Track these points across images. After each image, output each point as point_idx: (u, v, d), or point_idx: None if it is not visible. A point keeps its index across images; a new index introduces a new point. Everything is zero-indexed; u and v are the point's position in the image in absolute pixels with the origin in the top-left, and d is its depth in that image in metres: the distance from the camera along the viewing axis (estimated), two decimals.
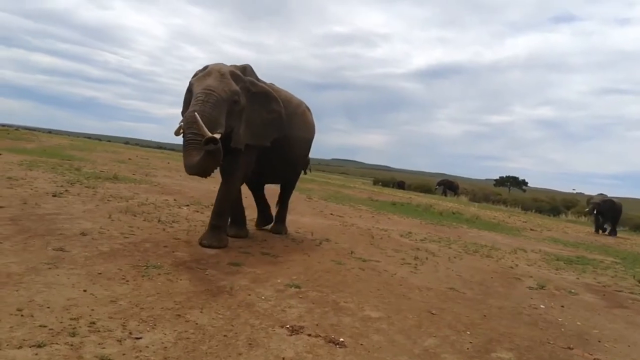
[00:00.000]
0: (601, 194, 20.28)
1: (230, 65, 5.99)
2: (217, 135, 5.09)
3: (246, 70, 6.17)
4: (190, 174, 5.35)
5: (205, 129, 4.93)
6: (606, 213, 19.47)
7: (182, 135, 5.29)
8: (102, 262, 4.42)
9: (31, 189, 7.65)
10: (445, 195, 36.71)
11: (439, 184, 40.12)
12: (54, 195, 7.40)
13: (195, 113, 5.05)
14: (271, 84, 6.86)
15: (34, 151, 15.80)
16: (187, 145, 5.19)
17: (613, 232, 19.42)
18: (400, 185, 42.20)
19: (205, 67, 5.86)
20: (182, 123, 5.31)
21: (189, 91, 5.74)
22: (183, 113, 6.02)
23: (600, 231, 19.47)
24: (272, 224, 7.85)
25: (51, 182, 8.66)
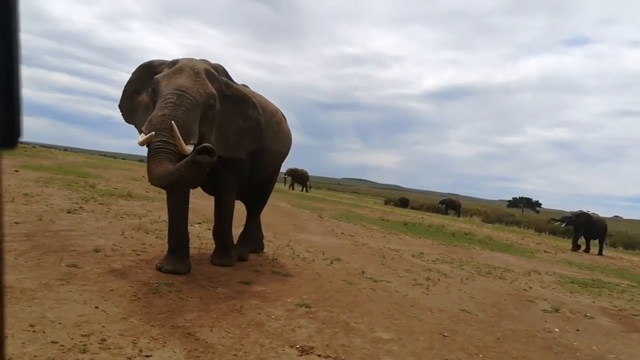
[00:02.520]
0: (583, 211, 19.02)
1: (204, 62, 5.19)
2: (190, 147, 4.43)
3: (219, 70, 5.37)
4: (158, 186, 4.56)
5: (182, 140, 4.31)
6: (582, 227, 18.34)
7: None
8: (114, 279, 4.45)
9: (46, 206, 7.75)
10: (447, 214, 37.31)
11: (442, 202, 40.80)
12: (69, 212, 7.49)
13: (173, 122, 4.29)
14: (244, 85, 6.14)
15: (51, 168, 16.04)
16: (155, 154, 4.36)
17: (600, 250, 18.40)
18: (404, 203, 42.06)
19: (175, 62, 4.95)
20: (146, 130, 4.45)
21: (153, 90, 4.75)
22: (124, 108, 5.34)
23: (576, 248, 18.32)
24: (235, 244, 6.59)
25: (66, 199, 8.77)
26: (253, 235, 7.01)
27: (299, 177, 34.68)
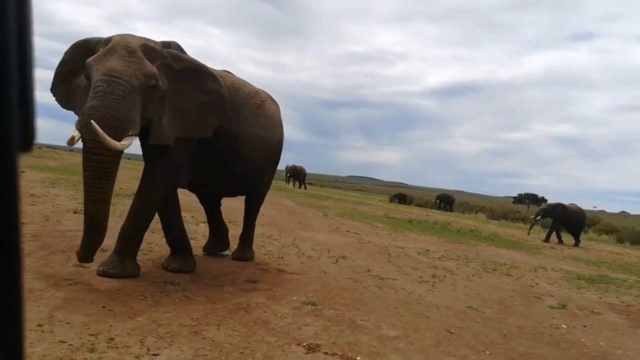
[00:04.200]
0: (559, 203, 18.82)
1: (141, 38, 4.49)
2: (128, 141, 4.02)
3: (171, 46, 4.87)
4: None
5: (108, 138, 3.79)
6: (559, 219, 18.18)
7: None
8: (121, 279, 4.47)
9: (53, 206, 7.80)
10: (443, 209, 38.60)
11: (438, 197, 42.08)
12: (75, 212, 7.53)
13: (92, 121, 3.75)
14: (226, 71, 5.81)
15: (57, 169, 16.13)
16: (85, 161, 4.06)
17: (575, 241, 18.25)
18: (401, 199, 42.32)
19: (109, 40, 4.28)
20: (76, 124, 3.97)
21: (87, 76, 4.17)
22: (58, 92, 4.69)
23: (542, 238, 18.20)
24: (235, 249, 6.46)
25: (72, 199, 8.81)
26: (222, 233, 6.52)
27: (297, 174, 34.90)
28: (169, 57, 4.62)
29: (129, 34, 4.42)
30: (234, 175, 5.64)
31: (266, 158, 6.04)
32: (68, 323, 3.26)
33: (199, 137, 4.87)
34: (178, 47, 4.96)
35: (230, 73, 5.88)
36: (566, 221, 18.28)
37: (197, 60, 4.96)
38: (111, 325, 3.33)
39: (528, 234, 18.76)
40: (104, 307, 3.68)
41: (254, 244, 6.61)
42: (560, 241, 18.15)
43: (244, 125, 5.47)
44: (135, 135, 4.16)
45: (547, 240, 18.07)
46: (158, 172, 4.76)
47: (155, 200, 4.82)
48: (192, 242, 6.68)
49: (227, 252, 6.55)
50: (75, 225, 6.57)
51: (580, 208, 19.58)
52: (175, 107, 4.66)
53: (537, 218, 19.10)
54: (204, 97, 4.85)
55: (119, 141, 3.92)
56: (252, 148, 5.65)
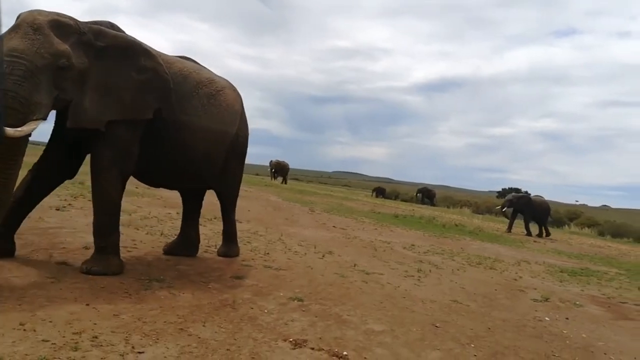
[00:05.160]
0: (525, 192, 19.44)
1: (52, 13, 4.08)
2: (31, 126, 3.73)
3: (101, 23, 4.53)
4: None
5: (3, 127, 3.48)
6: (524, 210, 18.55)
7: None
8: (105, 276, 4.41)
9: None
10: (424, 203, 40.03)
11: (419, 191, 43.37)
12: (57, 209, 7.42)
13: None
14: (186, 57, 5.59)
15: None
16: None
17: (546, 233, 18.66)
18: (381, 192, 42.81)
19: (18, 17, 3.97)
20: None
21: None
22: None
23: (512, 230, 18.49)
24: (220, 246, 6.29)
25: (54, 196, 8.66)
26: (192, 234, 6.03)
27: (282, 169, 34.95)
28: (89, 33, 4.25)
29: (37, 10, 4.03)
30: (180, 167, 5.25)
31: (221, 151, 5.59)
32: (51, 321, 3.21)
33: (139, 119, 4.55)
34: (110, 26, 4.62)
35: (190, 59, 5.62)
36: (531, 212, 18.61)
37: (126, 36, 4.60)
38: (95, 323, 3.29)
39: (509, 231, 19.02)
40: (87, 305, 3.63)
41: (239, 240, 6.58)
42: (528, 233, 18.45)
43: (192, 116, 5.08)
44: (42, 120, 3.86)
45: (529, 232, 18.31)
46: (105, 160, 4.48)
47: (110, 190, 4.55)
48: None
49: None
50: (58, 222, 6.48)
51: (544, 199, 19.97)
52: (103, 87, 4.34)
53: (504, 209, 19.36)
54: (138, 76, 4.53)
55: (21, 125, 3.63)
56: (202, 140, 5.24)
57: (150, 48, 4.79)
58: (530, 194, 21.13)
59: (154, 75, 4.60)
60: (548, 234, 18.67)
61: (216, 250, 6.37)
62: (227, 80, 5.90)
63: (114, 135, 4.45)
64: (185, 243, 5.91)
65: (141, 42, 4.69)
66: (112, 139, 4.46)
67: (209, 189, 6.11)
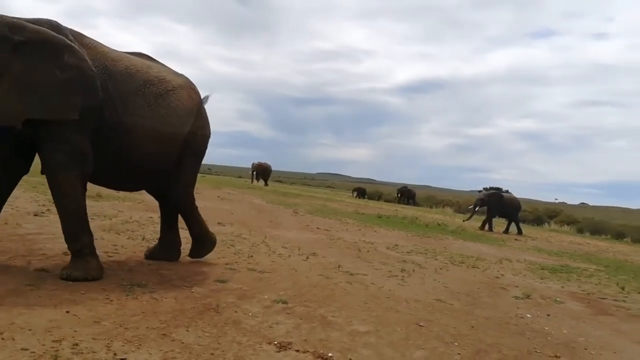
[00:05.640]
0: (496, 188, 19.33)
1: None
2: None
3: (40, 22, 4.37)
4: None
5: None
6: (494, 207, 18.66)
7: None
8: (86, 283, 4.34)
9: (12, 209, 7.50)
10: (401, 202, 40.73)
11: (399, 191, 43.84)
12: (36, 215, 7.29)
13: None
14: (141, 53, 5.46)
15: None
16: None
17: (518, 230, 18.74)
18: (361, 193, 43.10)
19: None
20: None
21: None
22: None
23: (487, 227, 18.61)
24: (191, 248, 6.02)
25: (32, 202, 8.52)
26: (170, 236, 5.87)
27: (264, 172, 34.85)
28: (5, 26, 4.07)
29: None
30: (127, 169, 5.07)
31: (170, 152, 5.31)
32: (30, 330, 3.14)
33: (64, 119, 4.30)
34: (49, 24, 4.42)
35: (147, 56, 5.45)
36: (501, 210, 18.79)
37: (48, 31, 4.31)
38: (75, 331, 3.23)
39: (463, 221, 19.37)
40: (67, 312, 3.56)
41: (223, 244, 6.52)
42: (490, 228, 18.67)
43: (136, 116, 4.83)
44: None
45: (482, 228, 18.58)
46: (59, 164, 4.36)
47: (71, 192, 4.45)
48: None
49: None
50: (36, 228, 6.37)
51: (515, 197, 20.26)
52: (22, 83, 4.13)
53: (476, 208, 19.57)
54: (61, 74, 4.26)
55: None
56: (147, 141, 4.97)
57: (75, 44, 4.48)
58: (508, 191, 21.38)
59: (78, 73, 4.32)
60: (507, 231, 18.79)
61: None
62: (184, 78, 5.64)
63: (62, 136, 4.33)
64: (166, 247, 5.81)
65: (64, 38, 4.39)
66: (60, 141, 4.34)
67: (140, 189, 5.88)
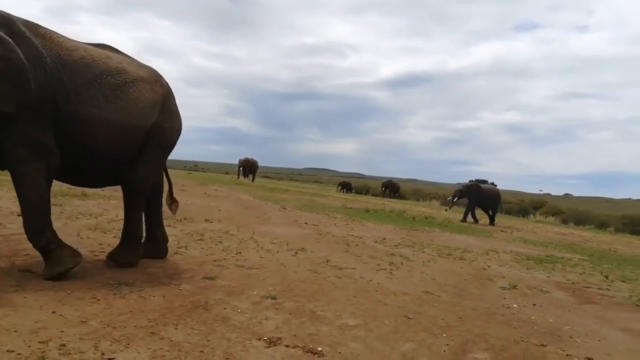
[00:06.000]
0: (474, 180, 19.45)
1: None
2: None
3: None
4: None
5: None
6: (474, 198, 18.71)
7: None
8: (71, 282, 4.30)
9: None
10: (386, 196, 41.03)
11: (383, 185, 44.08)
12: (19, 215, 7.17)
13: None
14: (104, 44, 5.28)
15: None
16: None
17: (491, 220, 18.87)
18: (346, 187, 43.26)
19: None
20: None
21: None
22: None
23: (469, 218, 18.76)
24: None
25: (16, 201, 8.38)
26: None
27: (251, 167, 34.66)
28: None
29: None
30: (83, 163, 4.87)
31: (130, 145, 5.09)
32: (16, 331, 3.10)
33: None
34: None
35: (110, 47, 5.29)
36: (481, 201, 18.89)
37: None
38: (62, 331, 3.20)
39: (445, 210, 19.58)
40: (54, 312, 3.53)
41: (210, 240, 6.48)
42: (472, 219, 18.82)
43: (91, 107, 4.63)
44: None
45: (464, 220, 18.65)
46: (19, 158, 4.27)
47: (34, 187, 4.35)
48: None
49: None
50: (20, 228, 6.25)
51: (495, 188, 20.34)
52: None
53: (455, 199, 19.69)
54: None
55: None
56: (103, 133, 4.78)
57: (49, 33, 4.45)
58: (494, 183, 21.55)
59: (7, 64, 4.11)
60: (493, 223, 18.86)
61: (180, 252, 6.29)
62: (149, 71, 5.45)
63: (20, 131, 4.23)
64: (153, 245, 5.75)
65: None
66: (19, 135, 4.24)
67: (120, 184, 5.53)
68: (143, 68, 5.41)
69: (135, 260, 5.31)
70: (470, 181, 21.39)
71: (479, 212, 19.66)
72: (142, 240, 5.52)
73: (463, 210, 19.99)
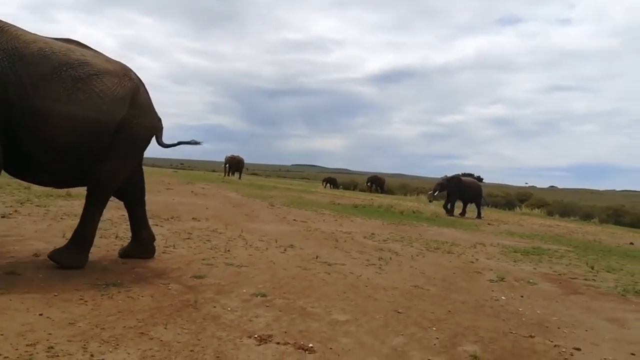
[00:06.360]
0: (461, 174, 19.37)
1: None
2: None
3: None
4: None
5: None
6: (454, 191, 18.78)
7: None
8: (58, 283, 4.25)
9: None
10: (373, 191, 41.05)
11: (368, 180, 44.24)
12: (3, 217, 7.06)
13: None
14: (68, 39, 5.07)
15: None
16: None
17: (465, 212, 19.03)
18: (331, 182, 43.38)
19: None
20: None
21: None
22: None
23: (449, 211, 18.82)
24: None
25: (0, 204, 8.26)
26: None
27: (237, 165, 34.47)
28: None
29: None
30: (43, 160, 4.68)
31: (93, 141, 4.83)
32: (2, 334, 3.06)
33: None
34: None
35: (75, 42, 5.09)
36: (462, 194, 18.97)
37: None
38: (50, 334, 3.16)
39: (429, 200, 20.04)
40: (40, 314, 3.48)
41: (198, 239, 6.43)
42: (451, 212, 18.86)
43: (50, 101, 4.46)
44: None
45: (448, 210, 18.79)
46: None
47: None
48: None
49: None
50: (4, 230, 6.18)
51: (476, 181, 20.48)
52: None
53: (435, 193, 19.81)
54: None
55: None
56: (64, 128, 4.59)
57: (7, 26, 4.32)
58: (480, 177, 21.71)
59: None
60: (479, 215, 19.04)
61: (168, 251, 6.25)
62: (116, 64, 5.21)
63: None
64: (140, 245, 5.70)
65: None
66: None
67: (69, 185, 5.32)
68: (110, 62, 5.17)
69: (78, 263, 4.91)
70: (448, 175, 21.55)
71: (469, 207, 19.81)
72: (91, 245, 5.15)
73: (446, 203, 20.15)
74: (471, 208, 19.88)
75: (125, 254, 5.61)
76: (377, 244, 9.01)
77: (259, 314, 4.07)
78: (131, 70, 5.36)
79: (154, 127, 5.57)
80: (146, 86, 5.53)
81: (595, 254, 10.78)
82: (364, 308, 4.61)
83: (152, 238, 5.86)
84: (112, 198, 5.38)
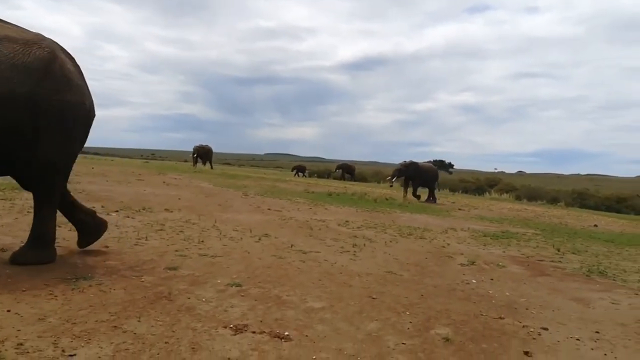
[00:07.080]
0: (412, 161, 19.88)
1: None
2: None
3: None
4: None
5: None
6: (414, 176, 19.39)
7: None
8: (27, 278, 4.14)
9: None
10: (344, 179, 41.33)
11: (338, 167, 44.58)
12: None
13: None
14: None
15: None
16: None
17: (431, 199, 19.55)
18: (300, 170, 43.52)
19: None
20: None
21: None
22: None
23: (409, 196, 19.41)
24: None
25: None
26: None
27: (205, 154, 34.13)
28: None
29: None
30: None
31: (12, 121, 4.28)
32: None
33: None
34: None
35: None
36: (419, 178, 19.61)
37: None
38: (19, 330, 3.08)
39: (391, 185, 20.97)
40: (8, 311, 3.39)
41: (171, 230, 6.35)
42: (415, 196, 19.53)
43: None
44: None
45: (415, 196, 19.43)
46: None
47: None
48: (105, 233, 6.28)
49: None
50: None
51: (433, 166, 21.13)
52: None
53: (394, 179, 20.22)
54: None
55: None
56: None
57: None
58: (451, 164, 22.13)
59: None
60: (434, 200, 19.60)
61: (140, 243, 6.16)
62: (29, 33, 4.64)
63: None
64: (85, 227, 5.40)
65: None
66: None
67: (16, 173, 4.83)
68: (23, 32, 4.62)
69: (41, 262, 4.65)
70: (428, 161, 21.84)
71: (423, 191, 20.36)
72: (52, 242, 4.88)
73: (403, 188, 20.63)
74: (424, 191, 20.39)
75: (82, 243, 5.42)
76: (351, 231, 9.08)
77: (234, 304, 4.07)
78: (48, 39, 4.74)
79: (85, 107, 4.89)
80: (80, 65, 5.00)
81: (561, 237, 11.14)
82: (339, 295, 4.66)
83: (92, 212, 5.53)
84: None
